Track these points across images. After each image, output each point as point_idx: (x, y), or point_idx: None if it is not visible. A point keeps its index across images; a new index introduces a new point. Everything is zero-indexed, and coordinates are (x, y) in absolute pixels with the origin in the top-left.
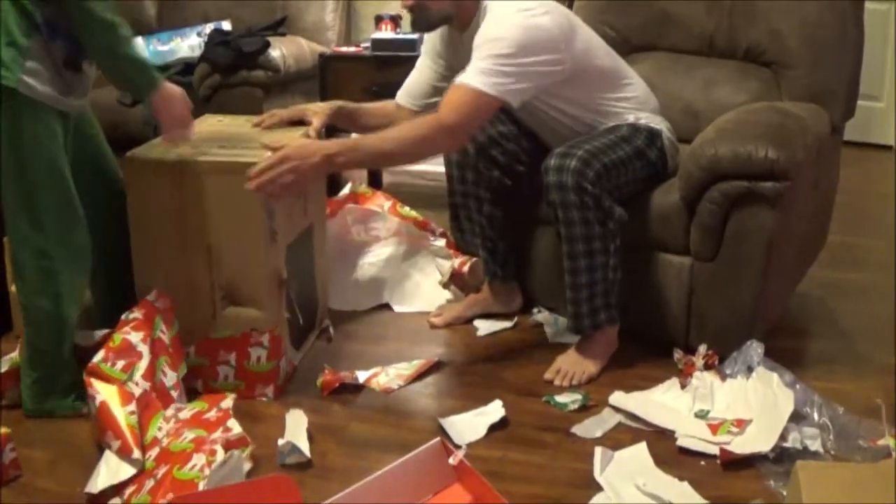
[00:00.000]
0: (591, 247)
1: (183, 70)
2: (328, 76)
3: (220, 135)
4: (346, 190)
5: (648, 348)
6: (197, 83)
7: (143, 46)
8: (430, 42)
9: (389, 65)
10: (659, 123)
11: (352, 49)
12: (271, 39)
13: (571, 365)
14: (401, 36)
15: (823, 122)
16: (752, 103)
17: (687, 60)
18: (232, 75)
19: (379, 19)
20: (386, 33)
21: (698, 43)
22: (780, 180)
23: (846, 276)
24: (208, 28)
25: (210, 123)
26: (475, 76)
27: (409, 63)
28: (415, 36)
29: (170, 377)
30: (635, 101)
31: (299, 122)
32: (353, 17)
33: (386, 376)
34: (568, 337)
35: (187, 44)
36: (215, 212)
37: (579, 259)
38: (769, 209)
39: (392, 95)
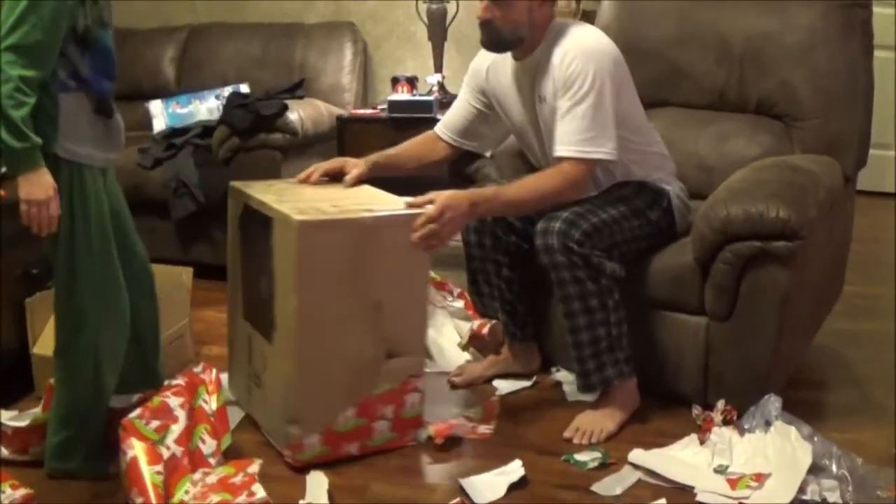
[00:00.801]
0: (588, 304)
1: (202, 133)
2: (346, 138)
3: (306, 196)
4: None
5: (667, 405)
6: (216, 146)
7: (162, 109)
8: (475, 75)
9: (406, 126)
10: (670, 184)
11: (369, 111)
12: (289, 102)
13: (590, 423)
14: (417, 98)
15: (836, 174)
16: (765, 157)
17: (699, 115)
18: (250, 138)
19: (395, 81)
20: (402, 95)
21: (710, 97)
22: (793, 239)
23: (862, 326)
24: (227, 91)
25: (262, 189)
26: (579, 146)
27: (426, 124)
28: (431, 98)
29: (209, 445)
30: (653, 160)
31: (339, 174)
32: (369, 79)
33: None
34: (587, 395)
35: (206, 107)
36: (385, 266)
37: (577, 317)
38: (782, 268)
39: None
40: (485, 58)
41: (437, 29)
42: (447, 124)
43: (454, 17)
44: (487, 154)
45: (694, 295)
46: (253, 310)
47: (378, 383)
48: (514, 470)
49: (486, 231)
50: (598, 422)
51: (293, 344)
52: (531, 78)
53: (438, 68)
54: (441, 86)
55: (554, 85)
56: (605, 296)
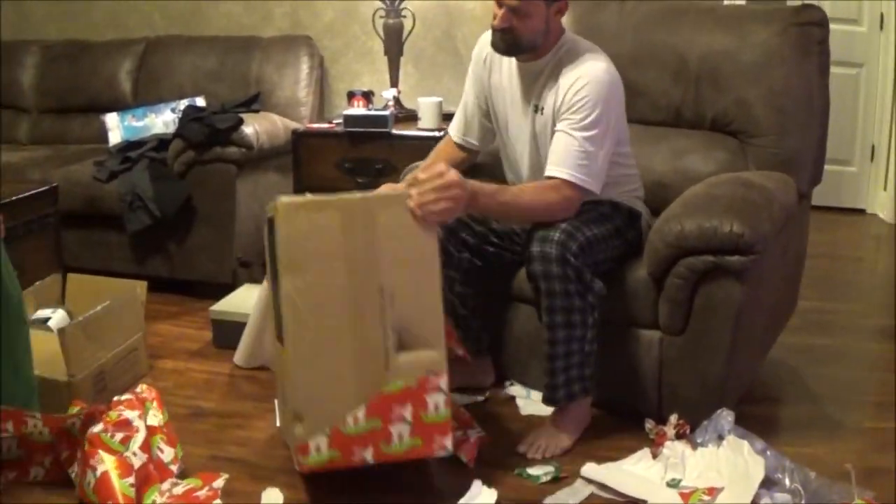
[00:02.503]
0: (571, 318)
1: (157, 146)
2: (301, 152)
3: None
4: None
5: (620, 419)
6: (171, 159)
7: (118, 122)
8: (475, 63)
9: (362, 140)
10: (640, 207)
11: (324, 125)
12: (245, 116)
13: (545, 438)
14: (373, 112)
15: (790, 190)
16: (720, 173)
17: (655, 132)
18: (206, 152)
19: (351, 95)
20: (358, 109)
21: (665, 114)
22: (747, 254)
23: (817, 342)
24: (182, 104)
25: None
26: (579, 172)
27: (381, 139)
28: (387, 112)
29: (167, 453)
30: (631, 181)
31: None
32: (326, 93)
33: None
34: (540, 410)
35: (161, 119)
36: (388, 249)
37: (558, 330)
38: (736, 283)
39: (365, 172)
40: (483, 46)
41: (394, 44)
42: (455, 126)
43: (410, 32)
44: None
45: (648, 309)
46: (277, 323)
47: (390, 379)
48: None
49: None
50: (554, 437)
51: (289, 333)
52: (531, 84)
53: (394, 83)
54: (397, 100)
55: (557, 102)
56: (587, 313)
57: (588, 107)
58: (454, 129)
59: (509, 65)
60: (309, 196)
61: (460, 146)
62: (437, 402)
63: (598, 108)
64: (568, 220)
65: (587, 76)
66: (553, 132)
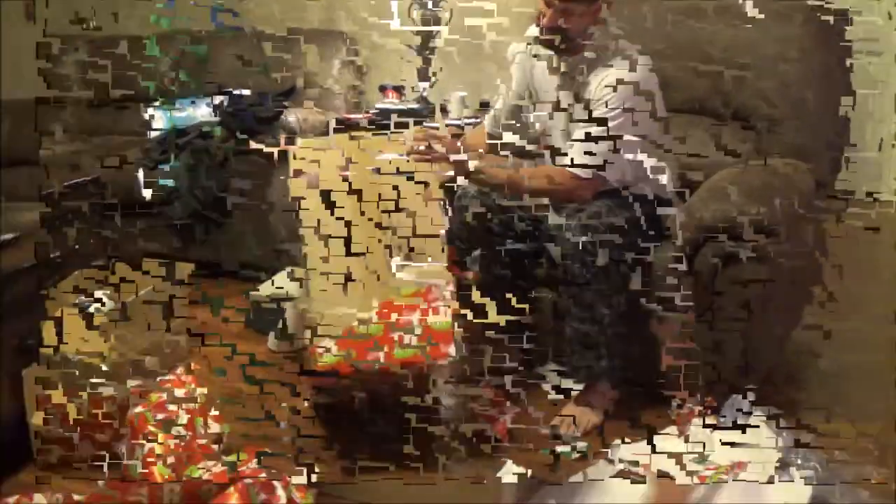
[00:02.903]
0: (599, 301)
1: (200, 135)
2: None
3: None
4: None
5: (645, 398)
6: (214, 148)
7: (161, 113)
8: (518, 56)
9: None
10: (668, 195)
11: (360, 115)
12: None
13: (575, 414)
14: (404, 105)
15: (810, 178)
16: (740, 163)
17: (678, 122)
18: (248, 140)
19: (383, 89)
20: (390, 103)
21: (688, 105)
22: (768, 237)
23: (837, 325)
24: (219, 97)
25: None
26: (593, 172)
27: None
28: (417, 105)
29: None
30: (656, 171)
31: None
32: (359, 87)
33: None
34: (566, 389)
35: (204, 110)
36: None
37: (586, 311)
38: (758, 265)
39: None
40: (515, 47)
41: (426, 39)
42: (492, 115)
43: (446, 25)
44: None
45: (672, 291)
46: None
47: (399, 287)
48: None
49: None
50: (583, 414)
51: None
52: (567, 80)
53: (424, 77)
54: (427, 95)
55: (591, 96)
56: (613, 298)
57: (611, 103)
58: (491, 121)
59: (542, 64)
60: None
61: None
62: (442, 309)
63: (619, 104)
64: (601, 206)
65: (618, 76)
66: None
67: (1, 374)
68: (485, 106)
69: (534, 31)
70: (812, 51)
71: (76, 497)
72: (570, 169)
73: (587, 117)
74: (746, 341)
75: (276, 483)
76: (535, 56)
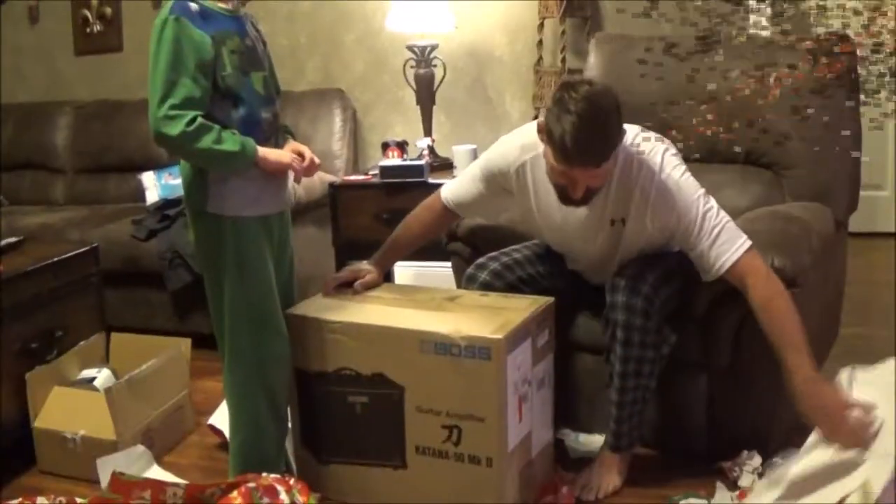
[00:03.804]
0: (642, 369)
1: None
2: (338, 204)
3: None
4: None
5: (669, 458)
6: None
7: (155, 180)
8: (499, 176)
9: (398, 191)
10: None
11: (360, 177)
12: None
13: (597, 478)
14: (408, 162)
15: (828, 220)
16: (756, 207)
17: (690, 168)
18: None
19: (385, 146)
20: (393, 160)
21: (699, 149)
22: (789, 287)
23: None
24: None
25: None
26: (732, 247)
27: (418, 188)
28: (422, 162)
29: None
30: None
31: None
32: (359, 145)
33: None
34: (588, 452)
35: None
36: None
37: (629, 379)
38: None
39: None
40: (510, 160)
41: (425, 93)
42: (457, 198)
43: (442, 81)
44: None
45: (694, 347)
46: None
47: None
48: None
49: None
50: (605, 477)
51: None
52: (596, 199)
53: (428, 132)
54: (431, 149)
55: (646, 218)
56: (657, 364)
57: (693, 217)
58: (455, 202)
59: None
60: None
61: (454, 214)
62: None
63: (693, 210)
64: (654, 272)
65: (669, 201)
66: (647, 235)
67: (3, 378)
68: None
69: (523, 155)
70: (822, 88)
71: (79, 500)
72: (739, 254)
73: (697, 244)
74: (772, 392)
75: (278, 487)
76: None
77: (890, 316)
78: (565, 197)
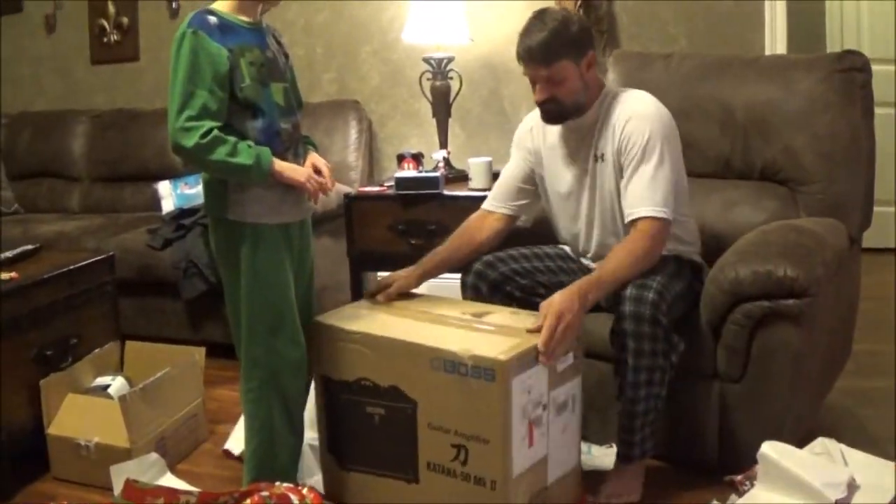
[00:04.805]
0: (653, 377)
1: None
2: (354, 216)
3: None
4: None
5: (680, 470)
6: None
7: (171, 189)
8: (521, 138)
9: (414, 202)
10: (700, 260)
11: (376, 188)
12: None
13: (617, 490)
14: (423, 174)
15: (841, 236)
16: (771, 222)
17: (705, 183)
18: None
19: (401, 158)
20: (409, 172)
21: (715, 165)
22: (801, 297)
23: (873, 384)
24: None
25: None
26: (657, 206)
27: (433, 200)
28: (437, 174)
29: None
30: (689, 237)
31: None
32: (375, 157)
33: None
34: (600, 464)
35: None
36: None
37: (641, 388)
38: (793, 326)
39: (418, 234)
40: (529, 120)
41: (441, 105)
42: (496, 195)
43: (458, 94)
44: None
45: (706, 358)
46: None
47: None
48: None
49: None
50: (625, 488)
51: None
52: (584, 138)
53: (443, 144)
54: (447, 161)
55: (615, 144)
56: (666, 373)
57: (640, 137)
58: (492, 200)
59: (555, 128)
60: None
61: (498, 215)
62: None
63: (649, 135)
64: (656, 278)
65: (632, 110)
66: (617, 177)
67: (18, 385)
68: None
69: (531, 117)
70: (836, 105)
71: None
72: (647, 214)
73: (626, 166)
74: (784, 404)
75: (291, 496)
76: (535, 131)
77: None
78: (544, 113)
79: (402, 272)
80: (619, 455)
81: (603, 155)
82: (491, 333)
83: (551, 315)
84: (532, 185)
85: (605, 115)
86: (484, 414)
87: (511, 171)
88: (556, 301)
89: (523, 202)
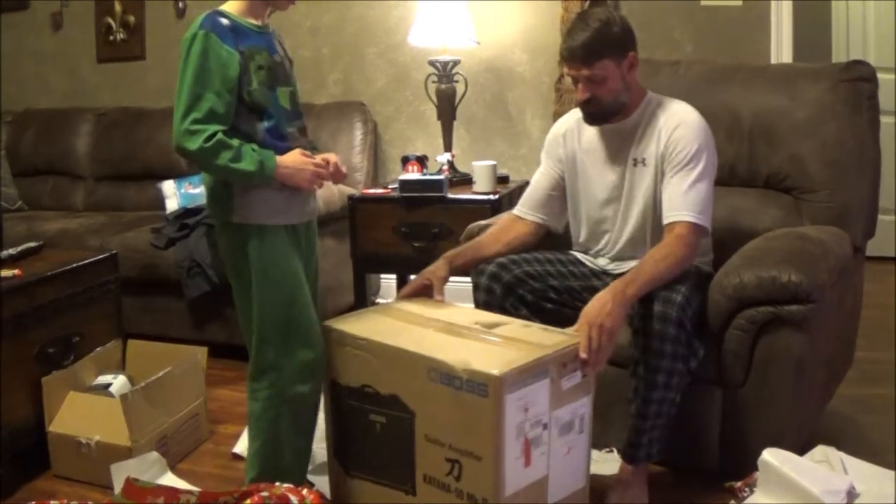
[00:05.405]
0: (670, 381)
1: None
2: (357, 217)
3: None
4: None
5: (681, 475)
6: None
7: (175, 189)
8: (552, 143)
9: (418, 205)
10: (711, 269)
11: (380, 191)
12: None
13: (629, 495)
14: (428, 177)
15: (845, 244)
16: (775, 230)
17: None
18: None
19: (405, 160)
20: (413, 174)
21: (720, 172)
22: (805, 303)
23: (874, 392)
24: None
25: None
26: (696, 212)
27: (437, 203)
28: (441, 176)
29: None
30: (707, 248)
31: (424, 291)
32: (379, 159)
33: None
34: (603, 469)
35: None
36: None
37: (656, 390)
38: (796, 332)
39: (421, 236)
40: (562, 124)
41: (447, 108)
42: (525, 202)
43: (463, 97)
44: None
45: (708, 363)
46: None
47: None
48: None
49: (495, 304)
50: (634, 493)
51: None
52: (625, 141)
53: (448, 147)
54: (451, 164)
55: (660, 149)
56: (683, 378)
57: (687, 144)
58: (522, 206)
59: (596, 131)
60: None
61: (527, 222)
62: None
63: (696, 145)
64: (683, 285)
65: (680, 119)
66: (657, 182)
67: (19, 382)
68: (504, 181)
69: (563, 121)
70: (843, 114)
71: None
72: (687, 220)
73: (668, 172)
74: (785, 410)
75: (291, 496)
76: (568, 136)
77: None
78: (586, 114)
79: (430, 268)
80: (623, 455)
81: (644, 160)
82: (495, 346)
83: (590, 324)
84: (560, 193)
85: (649, 120)
86: (476, 430)
87: (540, 181)
88: (590, 308)
89: (551, 210)
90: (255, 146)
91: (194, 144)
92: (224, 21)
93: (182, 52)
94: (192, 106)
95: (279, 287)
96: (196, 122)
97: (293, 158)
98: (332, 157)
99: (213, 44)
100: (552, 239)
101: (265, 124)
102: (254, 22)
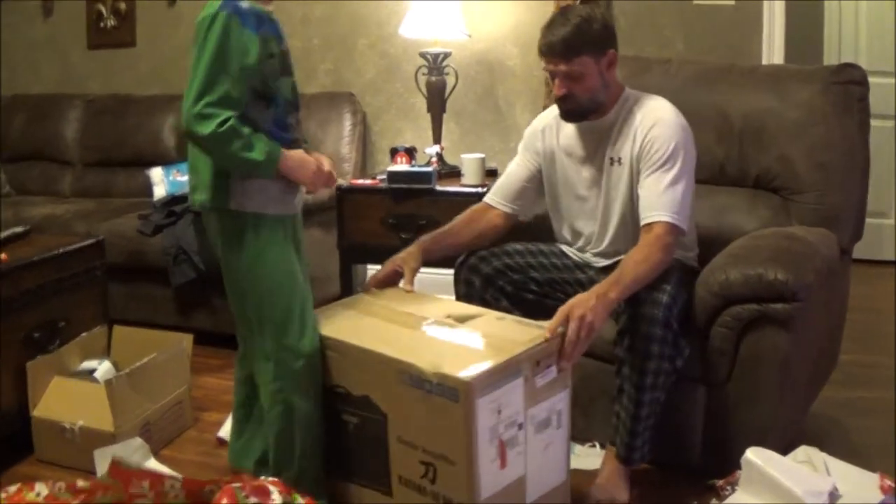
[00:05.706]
0: (657, 381)
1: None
2: (345, 208)
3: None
4: None
5: (664, 471)
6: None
7: (163, 176)
8: (531, 137)
9: (406, 196)
10: (697, 265)
11: (368, 181)
12: None
13: (608, 492)
14: (416, 168)
15: (832, 246)
16: (762, 229)
17: (698, 189)
18: None
19: (394, 152)
20: (402, 166)
21: (709, 171)
22: (791, 302)
23: (859, 395)
24: None
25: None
26: (673, 212)
27: (425, 195)
28: (430, 168)
29: None
30: (691, 241)
31: (394, 278)
32: (368, 150)
33: None
34: (586, 465)
35: None
36: None
37: (646, 392)
38: (781, 331)
39: (409, 227)
40: (541, 120)
41: (436, 100)
42: (498, 191)
43: (453, 89)
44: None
45: (693, 361)
46: None
47: None
48: None
49: (475, 296)
50: (615, 491)
51: None
52: (601, 140)
53: (437, 139)
54: (440, 157)
55: (635, 149)
56: (670, 378)
57: (663, 144)
58: (493, 195)
59: (574, 128)
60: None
61: (498, 212)
62: None
63: (673, 143)
64: (668, 283)
65: (656, 117)
66: (633, 182)
67: (3, 367)
68: (492, 174)
69: (542, 117)
70: (833, 117)
71: (80, 484)
72: (663, 220)
73: (644, 171)
74: (770, 409)
75: (272, 488)
76: (547, 131)
77: (890, 344)
78: (562, 111)
79: (402, 254)
80: (619, 457)
81: (620, 159)
82: (467, 344)
83: (572, 317)
84: (535, 185)
85: (625, 118)
86: (449, 434)
87: (515, 171)
88: (577, 303)
89: (524, 202)
90: (263, 136)
91: (206, 129)
92: (245, 4)
93: (199, 32)
94: (206, 89)
95: (274, 277)
96: (209, 105)
97: (299, 153)
98: (326, 164)
99: (234, 26)
100: (541, 226)
101: (270, 114)
102: (266, 8)
